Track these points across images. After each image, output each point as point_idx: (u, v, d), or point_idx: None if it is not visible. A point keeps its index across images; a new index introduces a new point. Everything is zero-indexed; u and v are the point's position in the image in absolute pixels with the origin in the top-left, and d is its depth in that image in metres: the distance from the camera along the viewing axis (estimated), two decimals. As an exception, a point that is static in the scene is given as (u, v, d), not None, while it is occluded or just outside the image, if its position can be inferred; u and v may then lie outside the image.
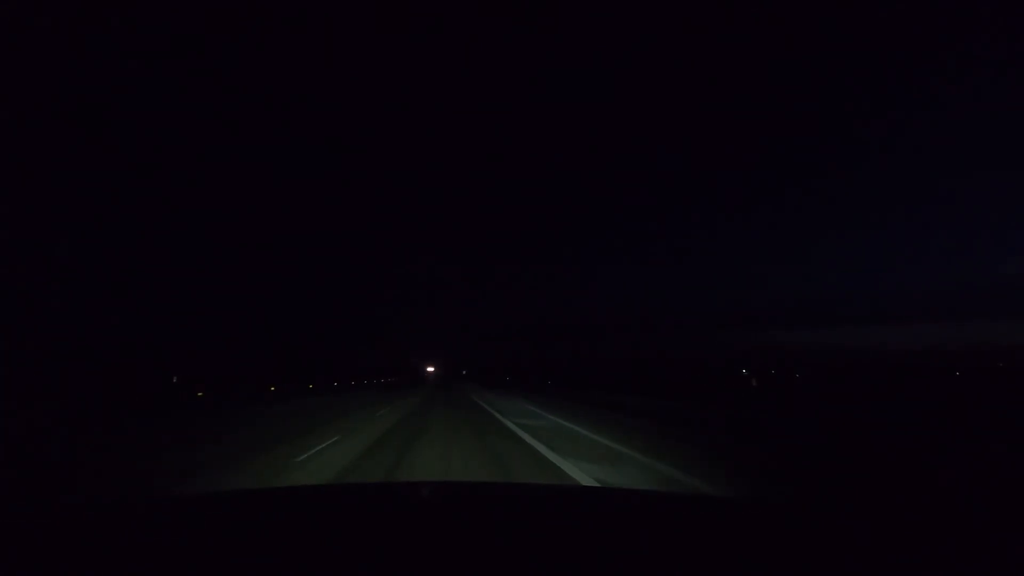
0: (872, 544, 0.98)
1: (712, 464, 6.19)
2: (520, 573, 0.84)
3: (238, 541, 1.02)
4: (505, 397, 24.50)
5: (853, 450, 7.47)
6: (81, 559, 0.91)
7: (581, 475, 5.45)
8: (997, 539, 1.01)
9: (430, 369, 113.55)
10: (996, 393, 22.40)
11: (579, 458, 6.51)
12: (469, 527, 1.14)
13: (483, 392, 31.24)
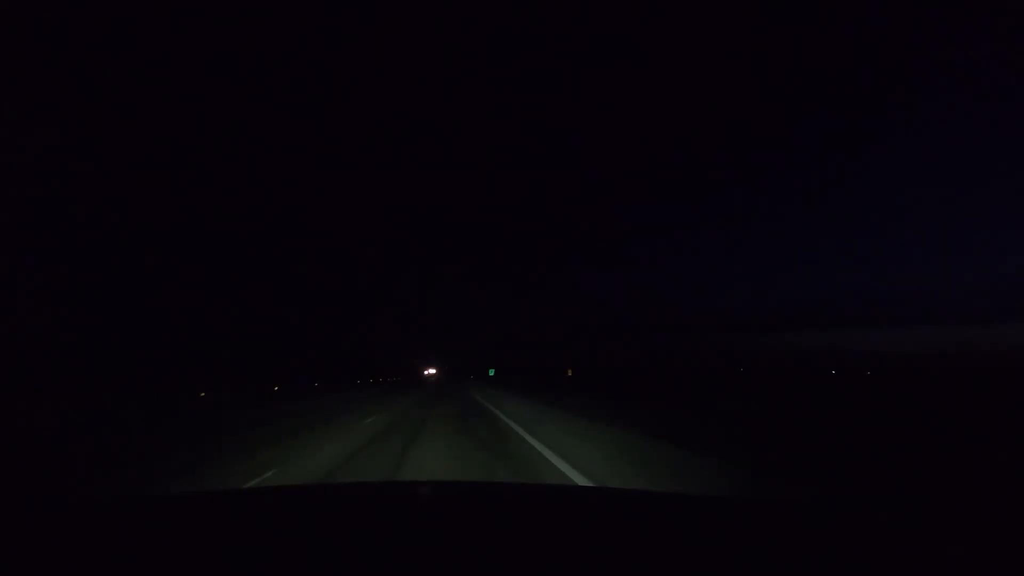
0: (869, 543, 0.98)
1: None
2: (520, 573, 0.84)
3: (237, 541, 1.02)
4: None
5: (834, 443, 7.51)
6: (81, 558, 0.91)
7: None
8: (993, 538, 1.01)
9: (431, 371, 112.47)
10: (992, 396, 22.23)
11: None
12: (469, 527, 1.14)
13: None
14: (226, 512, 1.29)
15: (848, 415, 13.43)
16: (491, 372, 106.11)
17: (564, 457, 6.51)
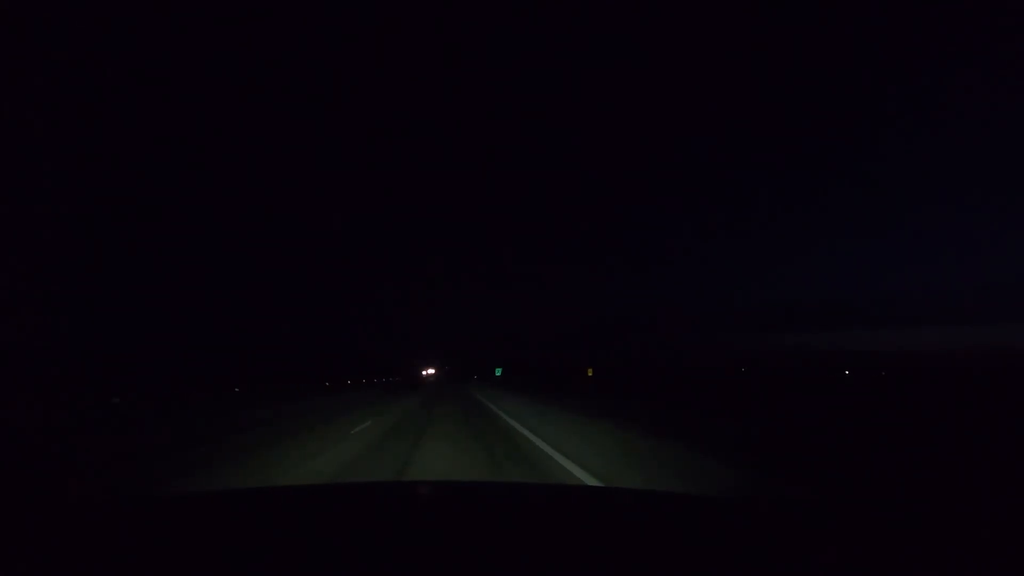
0: (869, 543, 0.98)
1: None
2: (520, 573, 0.84)
3: (238, 541, 1.02)
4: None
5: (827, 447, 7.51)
6: (81, 559, 0.91)
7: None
8: (993, 539, 1.01)
9: (429, 371, 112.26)
10: (993, 396, 22.00)
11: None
12: (468, 527, 1.14)
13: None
14: (226, 512, 1.29)
15: (849, 415, 13.42)
16: (498, 372, 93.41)
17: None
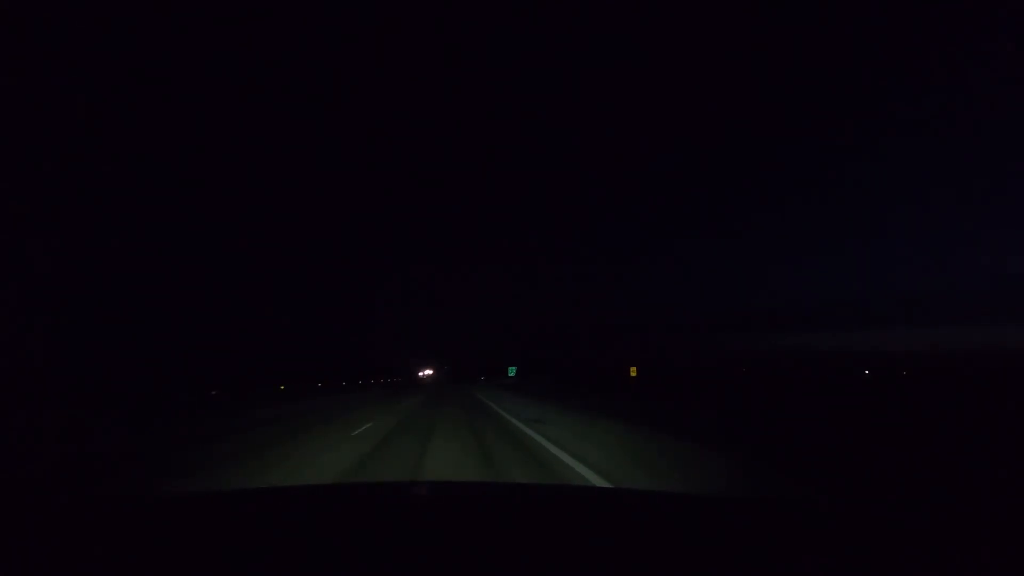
0: (869, 543, 0.98)
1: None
2: (520, 573, 0.84)
3: (237, 541, 1.02)
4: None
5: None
6: (81, 559, 0.91)
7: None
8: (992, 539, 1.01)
9: (427, 372, 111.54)
10: (994, 396, 21.77)
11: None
12: (468, 527, 1.14)
13: None
14: (226, 512, 1.29)
15: (850, 415, 13.39)
16: (511, 372, 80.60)
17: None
